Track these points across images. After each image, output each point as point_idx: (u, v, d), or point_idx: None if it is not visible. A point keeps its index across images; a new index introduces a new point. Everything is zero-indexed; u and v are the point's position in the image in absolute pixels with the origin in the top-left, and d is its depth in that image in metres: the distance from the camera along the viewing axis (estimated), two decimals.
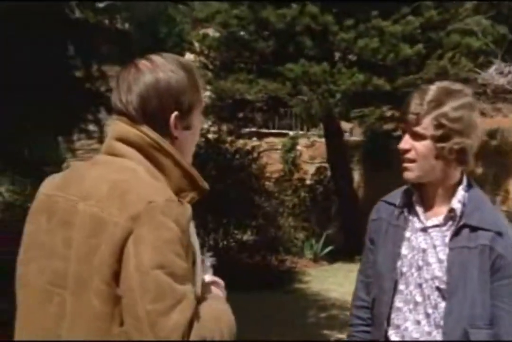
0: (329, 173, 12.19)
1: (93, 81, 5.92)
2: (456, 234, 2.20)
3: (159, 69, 1.74)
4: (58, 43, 5.67)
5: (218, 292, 1.86)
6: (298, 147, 14.01)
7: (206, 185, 1.80)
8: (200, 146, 9.43)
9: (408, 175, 2.24)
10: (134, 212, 1.61)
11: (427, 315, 2.24)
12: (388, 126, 11.37)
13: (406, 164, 2.23)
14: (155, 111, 1.72)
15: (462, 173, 2.27)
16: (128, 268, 1.59)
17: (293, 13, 9.91)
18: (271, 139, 14.59)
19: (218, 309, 1.76)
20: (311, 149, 14.03)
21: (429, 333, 2.23)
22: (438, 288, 2.21)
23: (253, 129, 13.37)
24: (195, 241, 1.75)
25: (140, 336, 1.57)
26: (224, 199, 8.66)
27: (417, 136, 2.21)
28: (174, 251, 1.60)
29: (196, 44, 11.46)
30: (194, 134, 1.83)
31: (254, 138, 13.93)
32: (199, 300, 1.71)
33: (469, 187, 2.26)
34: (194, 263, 1.73)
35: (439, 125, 2.16)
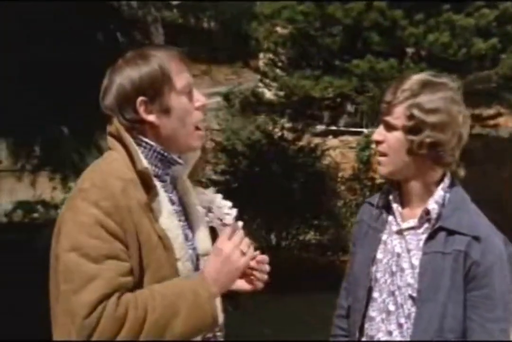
0: None
1: None
2: (431, 237, 2.02)
3: (125, 64, 1.92)
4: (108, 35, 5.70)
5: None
6: (374, 145, 13.72)
7: (142, 167, 1.85)
8: (263, 144, 9.35)
9: (380, 170, 2.12)
10: (67, 199, 1.85)
11: (400, 325, 2.06)
12: None
13: (378, 158, 2.11)
14: (120, 100, 1.89)
15: (444, 173, 2.08)
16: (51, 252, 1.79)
17: (360, 8, 9.67)
18: (345, 137, 14.36)
19: (168, 304, 1.72)
20: None
21: None
22: (411, 297, 2.03)
23: (322, 127, 13.18)
24: (170, 223, 1.85)
25: (63, 315, 1.69)
26: (288, 198, 8.55)
27: (389, 127, 2.07)
28: (89, 233, 1.70)
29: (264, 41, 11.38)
30: (180, 118, 1.92)
31: (330, 137, 13.76)
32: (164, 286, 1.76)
33: (451, 187, 2.07)
34: (166, 246, 1.81)
35: (411, 116, 2.01)
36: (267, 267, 2.09)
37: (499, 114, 11.75)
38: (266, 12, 10.68)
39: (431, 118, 1.99)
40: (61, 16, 5.03)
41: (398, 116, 2.04)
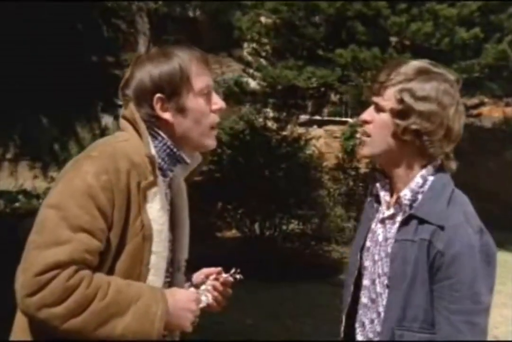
0: None
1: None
2: (404, 224, 2.00)
3: (147, 60, 1.96)
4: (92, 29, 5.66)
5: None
6: (358, 135, 13.70)
7: (150, 153, 1.88)
8: (247, 134, 9.33)
9: (362, 150, 2.10)
10: (78, 156, 1.89)
11: (378, 314, 2.06)
12: None
13: (362, 138, 2.09)
14: (138, 95, 1.94)
15: (430, 162, 2.04)
16: None
17: None
18: (330, 127, 14.35)
19: (124, 298, 1.73)
20: None
21: (379, 334, 2.04)
22: (387, 286, 2.02)
23: (306, 116, 13.17)
24: (160, 217, 1.86)
25: (22, 262, 1.70)
26: (271, 188, 8.55)
27: (378, 108, 2.04)
28: (77, 201, 1.73)
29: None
30: (195, 119, 1.95)
31: (315, 126, 13.75)
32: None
33: (434, 175, 2.03)
34: (145, 236, 1.81)
35: (400, 100, 1.98)
36: (229, 291, 2.08)
37: (482, 104, 11.81)
38: (250, 2, 10.65)
39: (420, 106, 1.97)
40: (41, 4, 4.98)
41: (388, 98, 2.01)
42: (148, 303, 1.75)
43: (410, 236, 1.96)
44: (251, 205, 8.78)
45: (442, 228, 1.92)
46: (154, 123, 1.95)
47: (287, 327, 6.21)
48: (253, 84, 11.90)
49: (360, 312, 2.14)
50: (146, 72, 1.93)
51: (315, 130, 13.41)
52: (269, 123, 10.26)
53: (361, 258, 2.17)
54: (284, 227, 9.10)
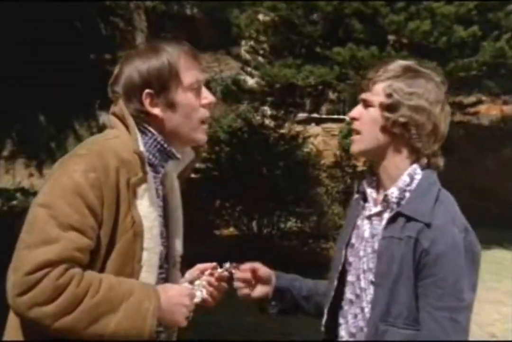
0: None
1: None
2: (391, 222, 2.02)
3: (136, 55, 1.96)
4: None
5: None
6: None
7: (138, 150, 1.86)
8: (245, 132, 9.34)
9: (353, 148, 2.13)
10: (64, 157, 1.87)
11: (362, 309, 2.08)
12: None
13: (352, 137, 2.12)
14: (127, 91, 1.93)
15: (418, 159, 2.08)
16: None
17: None
18: (328, 125, 14.36)
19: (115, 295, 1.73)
20: None
21: (362, 329, 2.08)
22: (372, 282, 2.05)
23: (304, 114, 13.17)
24: (150, 213, 1.86)
25: (13, 261, 1.70)
26: (269, 185, 8.56)
27: (367, 104, 2.07)
28: (66, 199, 1.73)
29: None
30: (185, 114, 1.95)
31: (313, 124, 13.75)
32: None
33: (421, 175, 2.07)
34: (136, 233, 1.81)
35: (389, 95, 2.02)
36: (224, 286, 2.08)
37: (480, 102, 11.82)
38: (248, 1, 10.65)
39: (408, 101, 2.02)
40: (40, 3, 4.98)
41: (377, 93, 2.05)
42: (140, 299, 1.75)
43: (397, 234, 1.99)
44: (249, 203, 8.80)
45: (428, 225, 1.95)
46: (144, 119, 1.93)
47: (286, 325, 6.22)
48: (251, 82, 11.90)
49: (346, 307, 2.17)
50: (135, 68, 1.92)
51: (313, 128, 13.41)
52: (267, 121, 10.27)
53: (346, 253, 2.19)
54: (282, 225, 9.11)
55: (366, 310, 2.05)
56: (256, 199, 8.67)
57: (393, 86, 2.03)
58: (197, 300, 1.94)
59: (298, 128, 10.70)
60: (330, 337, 2.23)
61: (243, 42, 13.02)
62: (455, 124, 12.61)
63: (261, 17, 11.34)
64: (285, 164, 9.01)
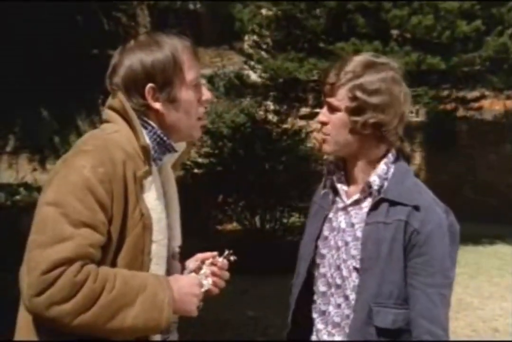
0: None
1: None
2: (374, 208, 2.10)
3: (137, 47, 1.91)
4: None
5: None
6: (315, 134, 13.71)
7: (145, 142, 1.86)
8: (247, 126, 9.33)
9: (324, 148, 2.19)
10: (66, 155, 1.85)
11: (346, 298, 2.14)
12: (448, 106, 11.03)
13: (323, 136, 2.17)
14: (128, 83, 1.90)
15: (388, 149, 2.16)
16: None
17: None
18: None
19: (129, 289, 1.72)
20: None
21: (348, 316, 2.14)
22: (355, 268, 2.11)
23: (306, 109, 13.15)
24: (158, 205, 1.86)
25: (26, 263, 1.68)
26: (271, 180, 8.55)
27: (333, 109, 2.13)
28: (76, 196, 1.71)
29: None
30: (185, 110, 1.94)
31: (315, 119, 13.70)
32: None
33: (395, 162, 2.15)
34: (145, 225, 1.81)
35: (354, 98, 2.07)
36: (227, 274, 2.07)
37: (483, 97, 11.80)
38: None
39: (374, 100, 2.06)
40: None
41: (341, 98, 2.09)
42: (154, 292, 1.75)
43: (382, 218, 2.07)
44: (252, 198, 8.80)
45: (417, 208, 2.05)
46: (144, 113, 1.92)
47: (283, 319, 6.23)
48: (254, 76, 11.89)
49: (318, 301, 2.22)
50: (138, 60, 1.89)
51: (316, 123, 13.39)
52: (270, 116, 10.25)
53: (316, 247, 2.22)
54: (284, 220, 9.11)
55: (351, 297, 2.12)
56: (259, 194, 8.66)
57: (356, 88, 2.06)
58: (204, 288, 1.96)
59: (301, 123, 10.68)
60: (298, 331, 2.32)
61: (246, 37, 12.99)
62: (458, 119, 12.63)
63: (264, 11, 11.31)
64: (288, 159, 9.00)
